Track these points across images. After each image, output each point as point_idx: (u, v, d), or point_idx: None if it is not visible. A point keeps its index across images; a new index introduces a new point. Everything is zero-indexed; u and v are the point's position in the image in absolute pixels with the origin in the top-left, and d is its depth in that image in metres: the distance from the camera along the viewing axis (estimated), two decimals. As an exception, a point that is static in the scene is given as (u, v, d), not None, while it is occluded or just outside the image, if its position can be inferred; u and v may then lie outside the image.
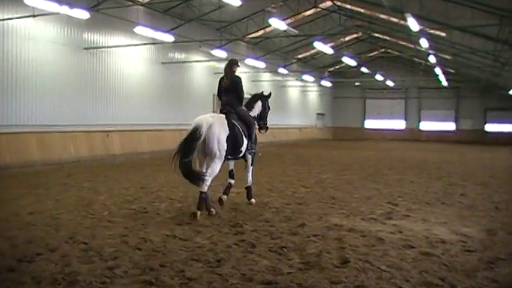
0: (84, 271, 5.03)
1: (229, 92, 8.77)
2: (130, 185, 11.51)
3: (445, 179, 13.79)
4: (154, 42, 23.03)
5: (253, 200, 9.18)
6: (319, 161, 20.10)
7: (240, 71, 33.92)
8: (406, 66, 48.21)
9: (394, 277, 4.94)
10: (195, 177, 7.58)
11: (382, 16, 30.01)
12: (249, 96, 9.66)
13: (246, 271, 5.09)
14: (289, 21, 28.68)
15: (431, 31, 28.09)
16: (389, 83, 45.52)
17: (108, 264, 5.29)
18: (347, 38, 38.95)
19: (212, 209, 8.09)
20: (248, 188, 9.25)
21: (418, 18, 20.04)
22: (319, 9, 30.85)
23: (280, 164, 18.25)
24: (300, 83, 44.33)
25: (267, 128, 9.63)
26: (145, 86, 24.50)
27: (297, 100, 45.50)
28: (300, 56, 41.16)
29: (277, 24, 22.72)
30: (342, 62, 39.29)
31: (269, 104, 9.90)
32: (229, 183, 8.88)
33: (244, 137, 8.42)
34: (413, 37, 31.24)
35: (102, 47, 21.29)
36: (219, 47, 27.39)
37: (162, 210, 8.49)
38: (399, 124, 53.50)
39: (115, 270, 5.06)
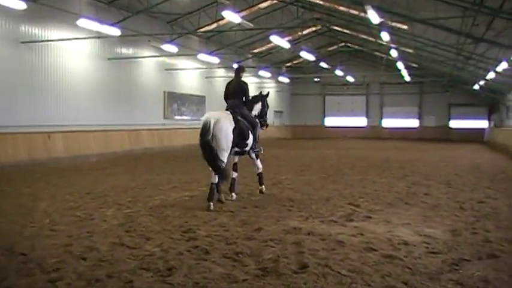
0: (23, 285, 4.92)
1: (235, 96, 10.25)
2: (74, 190, 11.30)
3: (408, 178, 14.12)
4: (99, 36, 22.64)
5: (263, 187, 10.73)
6: (277, 161, 20.21)
7: (192, 67, 33.77)
8: (367, 60, 49.02)
9: (355, 282, 5.00)
10: (214, 161, 9.05)
11: (342, 8, 30.32)
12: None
13: (199, 279, 5.06)
14: (243, 13, 28.71)
15: (393, 24, 28.69)
16: (350, 79, 46.22)
17: (50, 276, 5.18)
18: (305, 32, 39.29)
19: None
20: (260, 174, 10.78)
21: (379, 10, 20.40)
22: (276, 1, 30.95)
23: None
24: (256, 79, 44.44)
25: (267, 124, 11.23)
26: (91, 84, 24.07)
27: (254, 97, 45.67)
28: (255, 51, 41.21)
29: (231, 17, 22.67)
30: (300, 57, 39.64)
31: (268, 103, 11.23)
32: (233, 178, 10.26)
33: (249, 131, 9.96)
34: (374, 30, 31.82)
35: (42, 41, 20.78)
36: (170, 42, 27.22)
37: (109, 216, 8.37)
38: (360, 121, 54.42)
39: (57, 283, 4.95)
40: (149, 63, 28.90)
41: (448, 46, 28.74)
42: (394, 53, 31.40)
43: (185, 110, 32.75)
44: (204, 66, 34.32)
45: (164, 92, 30.37)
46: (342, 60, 48.18)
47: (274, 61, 45.84)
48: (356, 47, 43.96)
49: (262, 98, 11.04)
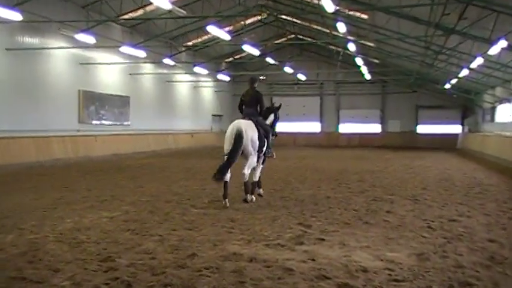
0: None
1: (251, 105, 13.07)
2: (-36, 212, 10.92)
3: (368, 193, 14.36)
4: (-6, 21, 22.05)
5: (253, 197, 12.68)
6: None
7: (114, 61, 33.42)
8: (321, 56, 49.75)
9: (304, 316, 5.03)
10: (224, 171, 11.70)
11: (291, -6, 30.68)
12: None
13: (118, 318, 4.98)
14: (176, -2, 28.66)
15: (351, 13, 29.24)
16: (301, 77, 46.64)
17: None
18: (248, 21, 39.50)
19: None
20: (253, 184, 12.87)
21: (334, -4, 20.70)
22: (214, -16, 31.04)
23: (165, 179, 18.09)
24: (191, 77, 44.40)
25: (276, 134, 14.42)
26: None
27: (188, 98, 45.51)
28: (190, 43, 41.14)
29: (160, 2, 22.46)
30: (243, 51, 39.92)
31: (279, 114, 14.36)
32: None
33: (265, 138, 12.74)
34: (329, 20, 32.35)
35: None
36: (85, 31, 26.74)
37: (8, 243, 8.12)
38: (314, 126, 55.11)
39: None
40: (60, 55, 28.33)
41: (414, 39, 29.39)
42: (352, 47, 31.81)
43: (105, 113, 32.31)
44: (128, 61, 33.97)
45: (79, 91, 29.85)
46: (292, 55, 48.81)
47: (212, 56, 45.91)
48: (308, 39, 44.47)
49: (275, 109, 14.12)
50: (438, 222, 10.08)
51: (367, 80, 46.70)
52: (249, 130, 12.17)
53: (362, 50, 37.95)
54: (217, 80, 47.99)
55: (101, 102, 31.92)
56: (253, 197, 12.72)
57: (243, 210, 11.30)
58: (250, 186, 12.68)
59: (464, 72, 32.45)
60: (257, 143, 12.31)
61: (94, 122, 31.17)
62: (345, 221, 10.06)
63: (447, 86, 41.81)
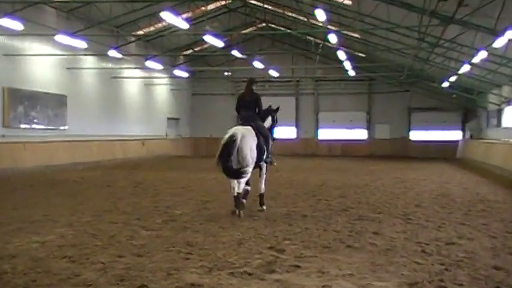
0: None
1: (249, 108, 14.52)
2: None
3: (352, 211, 14.46)
4: None
5: (264, 207, 14.45)
6: (170, 188, 20.24)
7: (48, 53, 33.19)
8: (296, 48, 49.82)
9: None
10: (237, 175, 13.23)
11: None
12: None
13: None
14: (122, -22, 28.55)
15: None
16: (273, 73, 46.70)
17: None
18: (210, 7, 39.41)
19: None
20: (261, 195, 14.64)
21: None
22: (169, -38, 30.96)
23: (110, 195, 18.01)
24: (142, 73, 44.23)
25: (274, 139, 15.41)
26: None
27: (138, 98, 45.32)
28: (140, 33, 40.83)
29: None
30: (204, 42, 39.80)
31: (277, 117, 15.70)
32: (247, 189, 14.21)
33: (265, 146, 14.10)
34: (306, 6, 32.50)
35: None
36: (10, 15, 26.34)
37: None
38: (288, 132, 55.24)
39: None
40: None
41: (407, 29, 29.63)
42: (333, 39, 31.95)
43: (36, 115, 31.96)
44: (65, 53, 33.68)
45: (3, 88, 29.50)
46: (263, 47, 48.84)
47: (168, 48, 45.81)
48: (281, 29, 44.62)
49: (272, 112, 15.37)
50: (434, 245, 10.12)
51: (351, 77, 46.96)
52: (248, 138, 13.48)
53: (345, 42, 38.20)
54: (173, 77, 47.93)
55: (32, 102, 31.56)
56: (264, 207, 14.51)
57: (203, 232, 11.28)
58: (242, 200, 13.87)
59: (465, 68, 32.75)
60: (255, 153, 13.62)
61: (23, 125, 30.78)
62: (324, 245, 10.08)
63: (445, 84, 42.25)
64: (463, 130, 50.96)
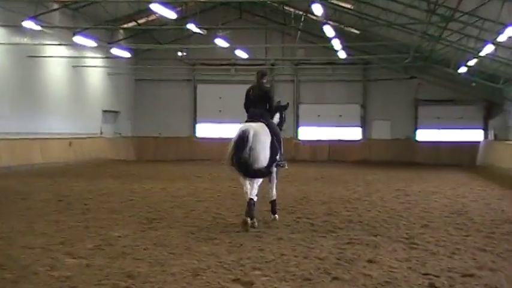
0: None
1: (259, 104, 15.91)
2: None
3: (341, 233, 14.50)
4: None
5: (276, 216, 15.96)
6: (106, 203, 20.18)
7: None
8: (271, 22, 49.85)
9: None
10: (254, 173, 14.96)
11: None
12: None
13: None
14: None
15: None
16: (242, 54, 46.65)
17: None
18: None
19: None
20: (273, 202, 16.11)
21: None
22: None
23: (26, 212, 17.93)
24: (69, 51, 43.87)
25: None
26: None
27: (64, 85, 44.99)
28: (65, -1, 40.60)
29: None
30: (151, 12, 39.71)
31: (286, 115, 17.27)
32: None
33: (278, 145, 15.60)
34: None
35: None
36: None
37: None
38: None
39: None
40: None
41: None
42: (318, 9, 31.86)
43: None
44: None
45: None
46: (227, 20, 48.77)
47: (103, 19, 45.47)
48: (252, -4, 44.60)
49: (281, 109, 16.89)
50: (446, 278, 10.14)
51: (342, 60, 47.02)
52: (262, 135, 15.05)
53: (334, 15, 38.31)
54: (111, 57, 47.69)
55: None
56: (277, 216, 16.05)
57: (148, 259, 11.26)
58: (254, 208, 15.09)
59: (488, 49, 32.77)
60: (269, 152, 15.18)
61: None
62: (304, 276, 10.11)
63: (462, 70, 42.39)
64: (485, 129, 51.19)
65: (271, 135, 15.35)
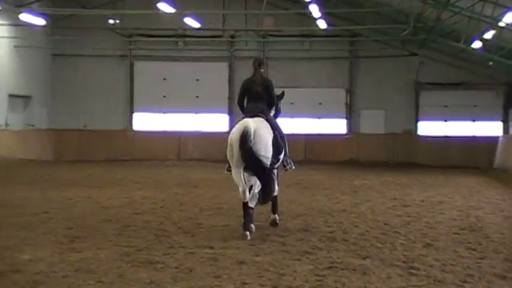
0: None
1: (258, 98, 17.49)
2: None
3: (320, 255, 14.52)
4: None
5: (277, 216, 18.15)
6: (13, 217, 19.99)
7: None
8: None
9: None
10: (258, 167, 16.24)
11: None
12: None
13: None
14: None
15: None
16: (192, 23, 46.64)
17: None
18: None
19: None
20: (273, 199, 17.68)
21: None
22: None
23: None
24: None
25: None
26: None
27: None
28: None
29: None
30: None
31: (280, 105, 19.04)
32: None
33: (282, 143, 17.17)
34: None
35: None
36: None
37: None
38: (216, 121, 55.25)
39: None
40: None
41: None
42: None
43: None
44: None
45: None
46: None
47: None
48: None
49: (276, 99, 18.40)
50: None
51: (322, 32, 47.18)
52: (262, 132, 16.45)
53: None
54: (19, 25, 47.45)
55: None
56: (277, 216, 18.21)
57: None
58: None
59: (510, 18, 33.02)
60: (271, 151, 16.60)
61: None
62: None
63: (476, 44, 42.66)
64: (506, 121, 51.48)
65: (273, 132, 16.75)
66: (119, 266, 13.09)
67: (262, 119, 16.69)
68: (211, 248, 15.15)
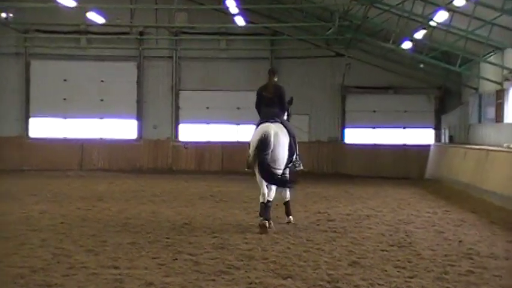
0: None
1: (273, 104, 20.93)
2: None
3: (236, 274, 14.51)
4: None
5: (291, 218, 22.12)
6: None
7: None
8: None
9: None
10: (280, 183, 20.77)
11: None
12: None
13: None
14: None
15: None
16: (96, 18, 46.56)
17: None
18: None
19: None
20: (287, 203, 22.21)
21: None
22: None
23: None
24: None
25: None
26: None
27: None
28: None
29: None
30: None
31: (291, 110, 22.32)
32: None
33: (294, 147, 21.02)
34: None
35: None
36: None
37: None
38: (123, 127, 55.71)
39: None
40: None
41: None
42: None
43: None
44: None
45: None
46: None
47: None
48: None
49: (287, 104, 21.87)
50: None
51: (240, 29, 47.27)
52: (281, 136, 20.17)
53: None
54: None
55: None
56: (291, 218, 22.18)
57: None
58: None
59: (441, 17, 33.23)
60: (287, 153, 20.42)
61: None
62: None
63: (406, 45, 42.99)
64: (438, 128, 51.78)
65: (289, 136, 20.39)
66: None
67: (281, 125, 20.24)
68: (116, 268, 15.10)
